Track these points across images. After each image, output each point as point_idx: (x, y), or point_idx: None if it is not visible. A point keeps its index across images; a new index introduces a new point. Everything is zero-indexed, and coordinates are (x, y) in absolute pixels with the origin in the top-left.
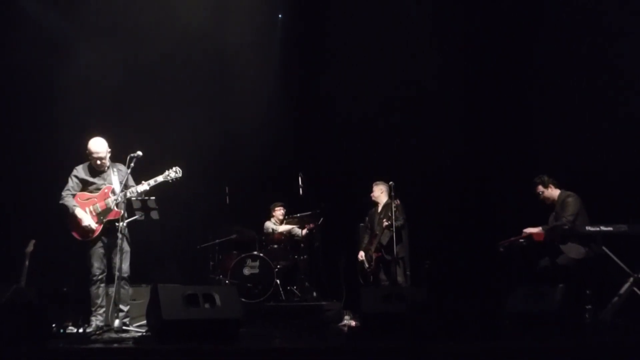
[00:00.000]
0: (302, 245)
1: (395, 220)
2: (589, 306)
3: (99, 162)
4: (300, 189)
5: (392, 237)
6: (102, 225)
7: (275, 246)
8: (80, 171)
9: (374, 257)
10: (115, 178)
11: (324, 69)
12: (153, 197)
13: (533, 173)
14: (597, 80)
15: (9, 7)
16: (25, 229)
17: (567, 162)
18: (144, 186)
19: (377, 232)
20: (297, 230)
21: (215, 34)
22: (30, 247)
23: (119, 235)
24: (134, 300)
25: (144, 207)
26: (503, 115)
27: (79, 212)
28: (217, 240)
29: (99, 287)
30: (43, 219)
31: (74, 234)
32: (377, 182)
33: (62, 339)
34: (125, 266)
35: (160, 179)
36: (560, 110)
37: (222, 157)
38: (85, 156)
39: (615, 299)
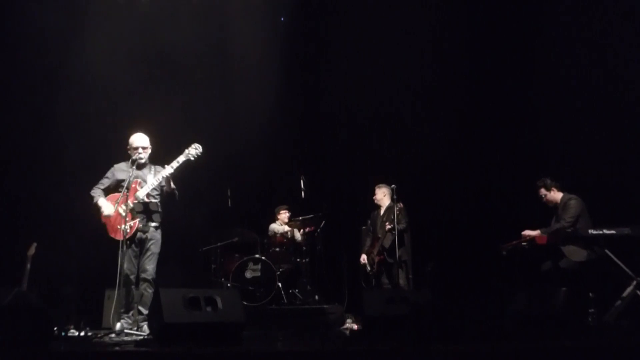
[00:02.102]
0: (304, 248)
1: (397, 223)
2: (592, 309)
3: (142, 153)
4: (302, 192)
5: (394, 240)
6: (137, 224)
7: (277, 249)
8: (117, 168)
9: (376, 260)
10: (150, 177)
11: (326, 72)
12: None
13: (535, 175)
14: (600, 82)
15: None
16: (26, 232)
17: (569, 164)
18: (168, 169)
19: (380, 235)
20: (298, 234)
21: (218, 38)
22: (31, 250)
23: (143, 237)
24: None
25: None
26: (505, 118)
27: (102, 202)
28: (219, 243)
29: (130, 289)
30: (45, 221)
31: (113, 235)
32: (380, 185)
33: (64, 342)
34: (151, 268)
35: (182, 158)
36: (562, 113)
37: (224, 160)
38: (125, 154)
39: (619, 302)
